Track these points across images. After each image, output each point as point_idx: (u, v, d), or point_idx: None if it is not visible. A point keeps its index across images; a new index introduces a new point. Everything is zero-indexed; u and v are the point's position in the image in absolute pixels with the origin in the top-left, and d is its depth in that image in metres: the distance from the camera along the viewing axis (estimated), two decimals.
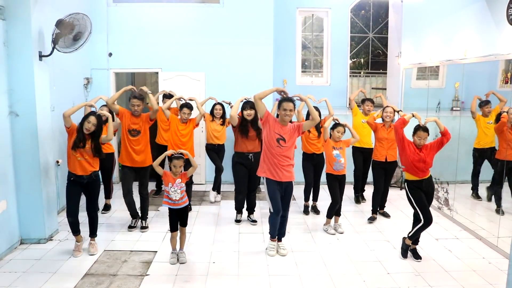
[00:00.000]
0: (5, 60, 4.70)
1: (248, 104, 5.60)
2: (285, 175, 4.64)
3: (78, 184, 4.64)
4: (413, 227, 4.71)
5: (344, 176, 5.54)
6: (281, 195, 4.75)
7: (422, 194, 4.62)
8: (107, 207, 6.26)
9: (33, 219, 4.98)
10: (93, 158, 4.66)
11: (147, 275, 4.29)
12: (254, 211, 5.95)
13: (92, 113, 4.59)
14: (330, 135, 5.53)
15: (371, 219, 6.00)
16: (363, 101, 6.80)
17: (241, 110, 5.66)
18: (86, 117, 4.54)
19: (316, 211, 6.37)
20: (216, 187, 6.86)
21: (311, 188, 6.36)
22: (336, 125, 5.52)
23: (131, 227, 5.53)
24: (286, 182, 4.69)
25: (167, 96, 6.90)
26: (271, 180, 4.67)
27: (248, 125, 5.60)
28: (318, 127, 6.06)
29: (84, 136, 4.53)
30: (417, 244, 4.77)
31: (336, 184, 5.52)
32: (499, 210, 5.86)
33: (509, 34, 5.12)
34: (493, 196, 6.00)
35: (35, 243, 5.00)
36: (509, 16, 5.11)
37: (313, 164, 6.20)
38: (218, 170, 6.63)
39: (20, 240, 4.99)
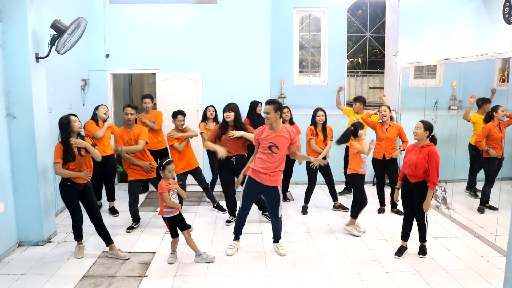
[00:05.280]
0: (2, 62, 4.69)
1: (227, 107, 5.50)
2: (268, 180, 4.60)
3: (74, 189, 4.58)
4: None
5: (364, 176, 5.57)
6: (265, 199, 4.77)
7: (408, 192, 4.71)
8: (114, 210, 6.23)
9: (31, 221, 4.97)
10: (87, 164, 4.62)
11: (145, 276, 4.28)
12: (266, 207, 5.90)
13: (70, 115, 4.54)
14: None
15: (380, 211, 6.28)
16: (355, 100, 6.83)
17: (223, 111, 5.56)
18: (69, 122, 4.44)
19: (343, 208, 6.38)
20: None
21: (313, 190, 6.32)
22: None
23: (130, 228, 5.55)
24: (269, 187, 4.65)
25: (147, 96, 6.92)
26: (253, 181, 4.66)
27: (227, 128, 5.48)
28: (324, 130, 6.11)
29: (72, 146, 4.44)
30: (425, 241, 4.79)
31: (363, 183, 5.52)
32: (481, 209, 5.93)
33: (505, 32, 5.14)
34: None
35: (33, 245, 4.99)
36: (505, 15, 5.13)
37: (320, 167, 6.12)
38: (211, 183, 6.71)
39: (18, 242, 4.98)
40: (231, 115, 5.46)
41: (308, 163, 6.07)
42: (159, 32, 7.52)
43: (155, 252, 4.84)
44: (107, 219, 5.94)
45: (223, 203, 6.22)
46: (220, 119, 6.46)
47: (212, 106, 6.50)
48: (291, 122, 6.30)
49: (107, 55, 7.53)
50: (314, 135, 6.10)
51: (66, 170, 4.46)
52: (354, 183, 5.48)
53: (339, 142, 5.48)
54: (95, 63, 7.48)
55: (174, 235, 4.57)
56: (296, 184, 7.62)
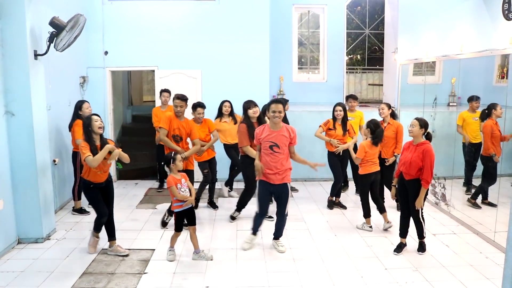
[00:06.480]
0: (0, 60, 4.67)
1: (251, 103, 5.50)
2: (278, 179, 4.63)
3: (97, 188, 4.60)
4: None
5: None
6: (275, 196, 4.76)
7: (404, 190, 4.73)
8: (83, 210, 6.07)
9: (30, 218, 4.96)
10: (109, 165, 4.61)
11: (145, 273, 4.29)
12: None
13: (92, 114, 4.55)
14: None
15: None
16: (347, 98, 6.82)
17: (243, 111, 5.54)
18: (90, 122, 4.42)
19: (342, 206, 6.38)
20: (230, 183, 6.87)
21: (341, 185, 6.33)
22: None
23: (164, 223, 5.53)
24: (280, 185, 4.67)
25: (165, 91, 6.93)
26: (263, 182, 4.69)
27: (254, 126, 5.35)
28: (344, 125, 6.07)
29: (96, 146, 4.43)
30: (424, 238, 4.79)
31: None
32: (474, 203, 5.97)
33: (505, 29, 5.13)
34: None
35: (32, 243, 4.99)
36: (505, 11, 5.13)
37: (339, 159, 6.15)
38: (238, 170, 6.52)
39: (17, 240, 4.97)
40: (257, 111, 5.46)
41: (329, 159, 6.14)
42: (158, 29, 7.51)
43: (154, 249, 4.84)
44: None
45: (223, 202, 6.21)
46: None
47: (228, 101, 6.42)
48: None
49: (106, 52, 7.51)
50: (329, 127, 6.07)
51: (98, 156, 4.33)
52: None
53: (377, 144, 5.39)
54: (94, 60, 7.47)
55: (178, 229, 4.58)
56: (295, 181, 7.62)
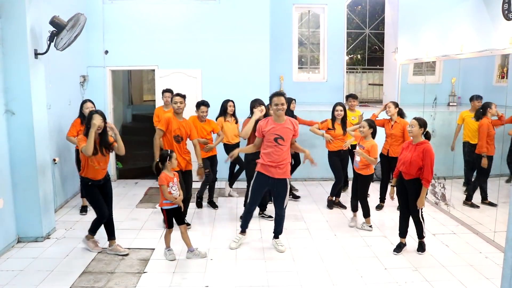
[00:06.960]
0: (0, 58, 4.67)
1: (256, 102, 5.53)
2: (278, 173, 4.65)
3: (96, 186, 4.61)
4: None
5: (360, 175, 5.42)
6: (273, 192, 4.78)
7: (403, 189, 4.73)
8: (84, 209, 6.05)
9: (30, 217, 4.96)
10: (106, 161, 4.63)
11: (144, 272, 4.29)
12: (266, 207, 5.90)
13: (93, 112, 4.50)
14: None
15: (379, 207, 6.28)
16: (347, 97, 6.82)
17: (250, 110, 5.59)
18: (90, 118, 4.39)
19: (342, 206, 6.38)
20: (231, 182, 6.83)
21: (341, 185, 6.33)
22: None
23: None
24: (279, 179, 4.69)
25: (167, 91, 6.91)
26: (262, 175, 4.70)
27: None
28: (344, 125, 6.07)
29: (95, 142, 4.40)
30: (423, 238, 4.79)
31: (354, 179, 5.55)
32: (471, 204, 5.99)
33: (504, 29, 5.13)
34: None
35: (32, 242, 4.99)
36: (505, 11, 5.13)
37: (340, 159, 6.15)
38: (242, 169, 6.51)
39: (17, 239, 4.97)
40: (263, 109, 5.45)
41: (330, 159, 6.14)
42: (158, 29, 7.50)
43: (154, 249, 4.84)
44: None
45: (223, 201, 6.20)
46: (239, 114, 6.45)
47: (232, 101, 6.39)
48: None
49: (106, 52, 7.51)
50: (328, 126, 6.08)
51: (88, 140, 4.29)
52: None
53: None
54: (94, 60, 7.46)
55: (170, 226, 4.59)
56: (295, 181, 7.62)
